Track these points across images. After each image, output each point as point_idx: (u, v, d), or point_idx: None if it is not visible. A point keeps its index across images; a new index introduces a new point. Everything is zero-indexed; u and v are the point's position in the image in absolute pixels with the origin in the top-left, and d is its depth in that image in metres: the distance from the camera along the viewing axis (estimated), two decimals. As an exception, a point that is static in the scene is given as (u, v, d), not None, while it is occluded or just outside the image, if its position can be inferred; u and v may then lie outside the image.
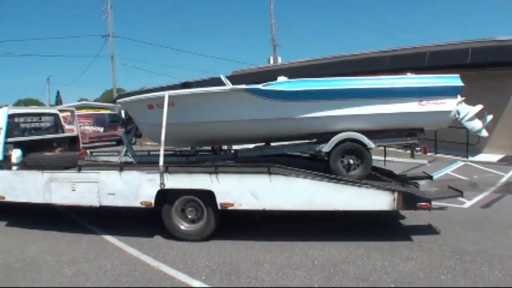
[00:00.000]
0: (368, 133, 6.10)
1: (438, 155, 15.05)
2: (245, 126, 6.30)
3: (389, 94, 5.99)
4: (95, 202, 6.35)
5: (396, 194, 5.57)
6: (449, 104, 6.02)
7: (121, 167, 6.40)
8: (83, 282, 4.83)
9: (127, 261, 5.42)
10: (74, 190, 6.47)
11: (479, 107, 6.31)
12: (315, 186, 5.67)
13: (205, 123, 6.38)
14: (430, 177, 7.37)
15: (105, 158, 8.04)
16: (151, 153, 8.36)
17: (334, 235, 6.11)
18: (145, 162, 6.84)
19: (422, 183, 6.96)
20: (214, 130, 6.53)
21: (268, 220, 6.42)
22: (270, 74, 20.80)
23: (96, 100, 53.46)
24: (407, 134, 6.35)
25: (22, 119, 8.67)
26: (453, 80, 6.11)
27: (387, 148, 7.27)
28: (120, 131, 14.19)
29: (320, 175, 5.72)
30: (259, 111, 6.10)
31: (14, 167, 7.07)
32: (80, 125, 18.42)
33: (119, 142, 20.78)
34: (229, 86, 6.29)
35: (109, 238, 6.41)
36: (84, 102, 20.00)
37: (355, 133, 6.05)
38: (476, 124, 6.29)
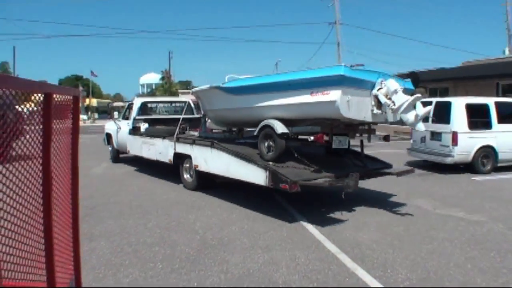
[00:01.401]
0: (291, 122, 6.84)
1: None
2: (228, 114, 8.29)
3: (290, 86, 6.55)
4: (154, 158, 10.13)
5: (267, 172, 6.33)
6: (333, 94, 5.97)
7: (164, 137, 9.54)
8: (271, 272, 4.65)
9: (323, 257, 5.09)
10: (149, 150, 10.31)
11: (416, 96, 5.97)
12: (229, 159, 7.20)
13: (210, 111, 8.87)
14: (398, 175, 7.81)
15: (193, 133, 10.19)
16: (215, 131, 10.47)
17: None
18: (207, 137, 8.77)
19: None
20: (216, 116, 8.95)
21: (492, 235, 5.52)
22: (503, 66, 17.79)
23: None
24: (324, 123, 6.72)
25: (154, 105, 13.02)
26: (334, 70, 6.04)
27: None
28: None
29: (231, 151, 7.18)
30: (226, 103, 7.86)
31: (139, 134, 11.07)
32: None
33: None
34: (211, 84, 8.19)
35: (311, 228, 6.20)
36: None
37: (270, 121, 6.87)
38: (410, 117, 5.95)
